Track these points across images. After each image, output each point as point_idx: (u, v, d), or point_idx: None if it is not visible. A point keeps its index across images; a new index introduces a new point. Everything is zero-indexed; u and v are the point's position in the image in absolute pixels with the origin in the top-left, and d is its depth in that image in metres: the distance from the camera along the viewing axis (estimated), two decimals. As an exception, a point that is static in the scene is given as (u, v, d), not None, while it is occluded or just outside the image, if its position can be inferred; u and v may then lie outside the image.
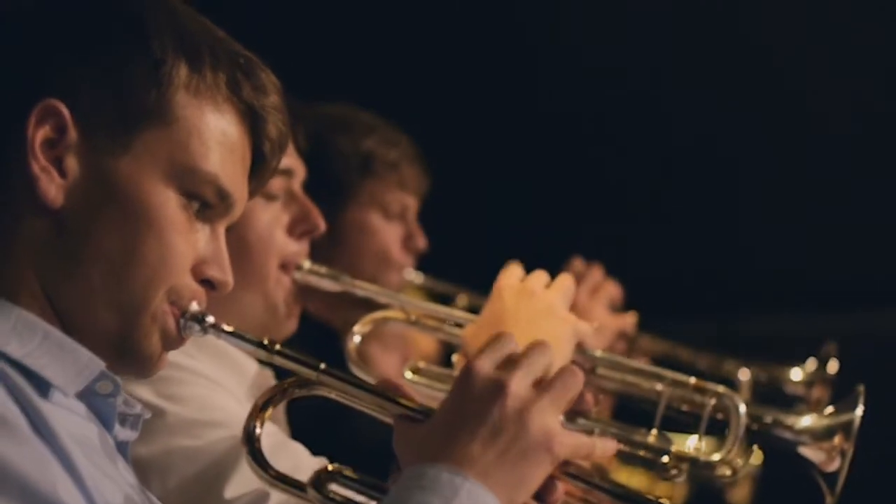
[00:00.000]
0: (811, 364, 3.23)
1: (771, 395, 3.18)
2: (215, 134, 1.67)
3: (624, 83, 4.92)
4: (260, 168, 1.76)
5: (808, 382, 3.19)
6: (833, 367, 3.17)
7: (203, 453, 2.17)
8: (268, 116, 1.73)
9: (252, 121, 1.72)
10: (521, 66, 4.94)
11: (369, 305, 3.03)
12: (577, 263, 3.21)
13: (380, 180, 3.28)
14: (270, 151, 1.75)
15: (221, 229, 1.72)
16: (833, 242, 4.82)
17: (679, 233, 4.98)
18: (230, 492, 2.14)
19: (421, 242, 3.33)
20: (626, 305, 3.29)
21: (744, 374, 3.24)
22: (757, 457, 2.50)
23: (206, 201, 1.67)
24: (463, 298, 3.37)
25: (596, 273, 3.18)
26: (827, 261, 4.84)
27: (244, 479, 2.15)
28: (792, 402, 3.20)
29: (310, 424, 2.41)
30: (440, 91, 4.88)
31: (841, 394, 3.01)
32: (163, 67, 1.63)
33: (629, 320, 3.19)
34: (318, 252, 2.77)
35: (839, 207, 4.84)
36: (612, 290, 3.18)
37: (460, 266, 3.33)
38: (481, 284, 2.54)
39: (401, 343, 3.62)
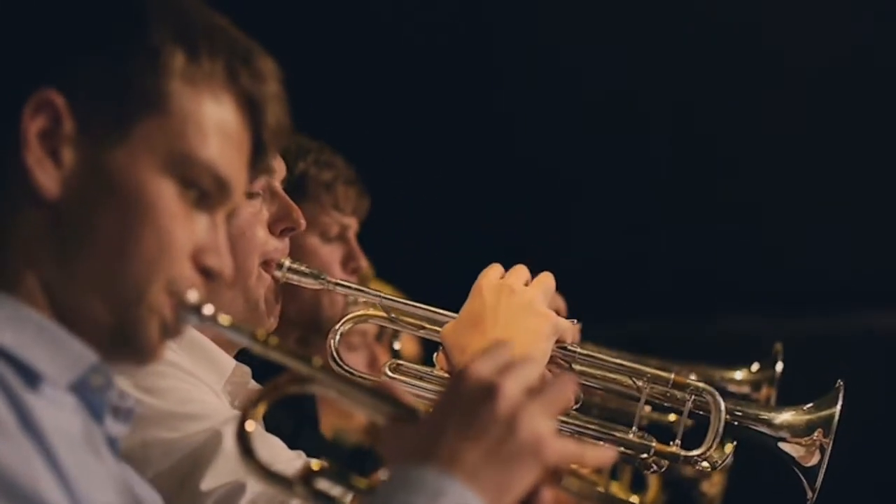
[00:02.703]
0: (755, 366, 3.26)
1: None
2: (213, 122, 1.65)
3: (572, 85, 4.95)
4: (260, 155, 1.74)
5: (755, 383, 3.22)
6: (779, 367, 3.19)
7: (180, 445, 2.17)
8: (266, 105, 1.70)
9: (250, 109, 1.69)
10: (474, 64, 4.98)
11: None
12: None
13: (315, 203, 3.22)
14: (270, 139, 1.73)
15: (221, 218, 1.70)
16: (778, 246, 4.89)
17: (650, 231, 5.03)
18: (206, 484, 2.15)
19: (362, 263, 3.30)
20: (571, 310, 3.30)
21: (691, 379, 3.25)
22: (729, 450, 2.51)
23: (203, 190, 1.65)
24: None
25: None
26: (773, 264, 4.91)
27: (220, 472, 2.16)
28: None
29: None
30: (369, 107, 4.90)
31: (785, 394, 3.08)
32: (159, 56, 1.61)
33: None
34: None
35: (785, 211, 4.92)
36: (557, 301, 3.19)
37: (403, 283, 3.34)
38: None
39: (368, 344, 3.61)
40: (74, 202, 1.59)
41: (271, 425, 2.40)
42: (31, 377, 1.57)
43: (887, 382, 4.72)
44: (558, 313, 3.19)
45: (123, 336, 1.63)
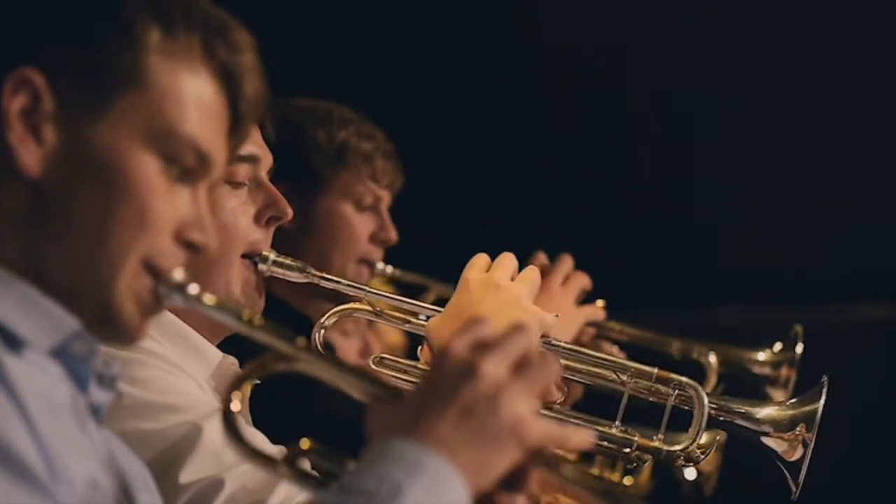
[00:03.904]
0: (777, 346, 3.26)
1: (739, 378, 3.25)
2: (191, 96, 1.66)
3: (594, 73, 4.95)
4: (238, 127, 1.75)
5: (775, 364, 3.23)
6: (799, 349, 3.19)
7: (159, 437, 2.17)
8: (243, 75, 1.72)
9: (227, 81, 1.71)
10: (483, 59, 4.98)
11: (336, 295, 3.04)
12: (541, 257, 3.24)
13: (353, 171, 3.29)
14: (247, 110, 1.74)
15: (203, 191, 1.71)
16: (802, 237, 4.88)
17: (650, 224, 5.02)
18: (185, 477, 2.15)
19: (392, 235, 3.34)
20: (597, 297, 3.31)
21: (712, 358, 3.28)
22: (717, 441, 2.51)
23: (185, 164, 1.66)
24: (433, 290, 3.41)
25: (567, 263, 3.20)
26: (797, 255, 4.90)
27: (200, 466, 2.16)
28: (761, 384, 3.24)
29: (272, 405, 2.40)
30: (407, 86, 4.91)
31: (805, 376, 3.08)
32: (135, 31, 1.63)
33: (598, 308, 3.22)
34: (290, 241, 2.77)
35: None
36: (583, 280, 3.21)
37: (430, 260, 3.35)
38: (451, 278, 2.54)
39: (361, 331, 3.62)
40: (57, 180, 1.61)
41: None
42: (12, 340, 1.59)
43: (884, 375, 4.70)
44: (584, 292, 3.22)
45: (104, 315, 1.65)
